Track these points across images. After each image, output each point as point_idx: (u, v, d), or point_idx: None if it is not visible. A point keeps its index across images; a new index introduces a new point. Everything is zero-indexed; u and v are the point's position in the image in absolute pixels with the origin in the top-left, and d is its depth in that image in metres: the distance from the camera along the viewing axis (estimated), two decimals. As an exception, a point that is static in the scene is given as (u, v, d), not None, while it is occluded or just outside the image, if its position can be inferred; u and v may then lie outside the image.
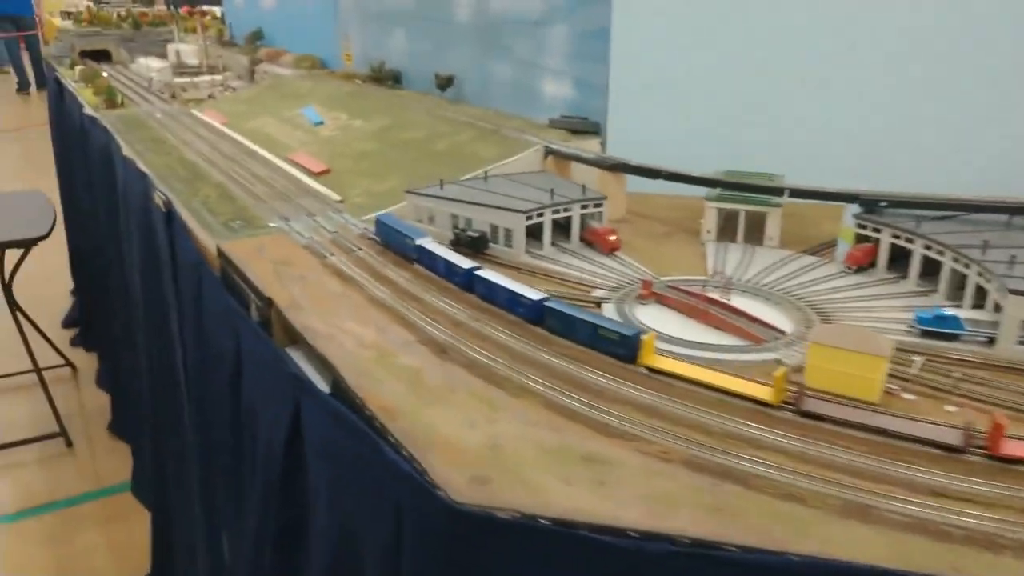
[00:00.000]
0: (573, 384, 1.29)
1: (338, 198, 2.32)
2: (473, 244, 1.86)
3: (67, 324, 5.88)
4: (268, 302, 1.65)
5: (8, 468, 4.31)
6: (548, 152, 2.38)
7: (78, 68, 4.68)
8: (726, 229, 2.02)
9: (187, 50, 5.26)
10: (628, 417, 1.20)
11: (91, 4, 6.39)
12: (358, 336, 1.47)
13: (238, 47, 5.32)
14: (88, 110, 3.82)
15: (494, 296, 1.58)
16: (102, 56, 5.55)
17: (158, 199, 2.42)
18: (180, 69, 4.90)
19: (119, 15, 6.05)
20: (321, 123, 3.10)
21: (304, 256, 1.89)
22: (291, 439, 1.52)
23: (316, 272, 1.78)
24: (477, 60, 3.05)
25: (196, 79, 4.54)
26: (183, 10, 6.34)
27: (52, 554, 3.66)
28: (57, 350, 5.16)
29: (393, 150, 2.64)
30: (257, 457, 1.66)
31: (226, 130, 3.26)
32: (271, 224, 2.13)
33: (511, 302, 1.54)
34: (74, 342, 5.59)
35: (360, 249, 1.91)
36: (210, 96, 4.20)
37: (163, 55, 5.71)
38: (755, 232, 2.00)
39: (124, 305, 3.57)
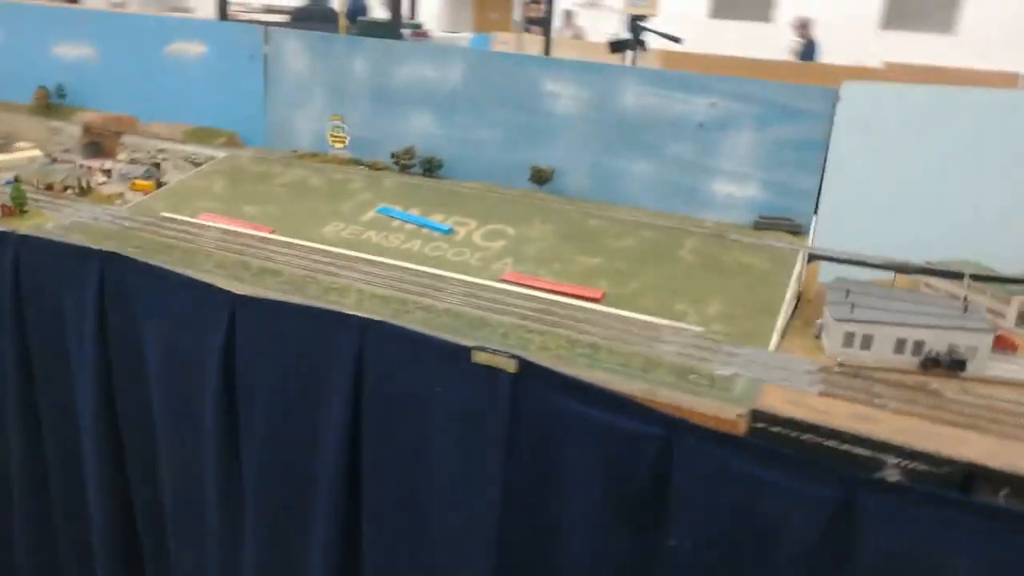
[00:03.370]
0: None
1: (697, 329, 2.16)
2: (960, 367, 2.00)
3: None
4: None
5: None
6: (813, 258, 2.51)
7: None
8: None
9: None
10: None
11: None
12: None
13: None
14: None
15: None
16: None
17: (487, 359, 1.97)
18: None
19: None
20: (451, 231, 2.68)
21: (857, 409, 1.81)
22: None
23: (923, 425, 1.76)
24: (587, 154, 2.96)
25: None
26: None
27: None
28: None
29: (632, 263, 2.47)
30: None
31: (323, 246, 2.59)
32: (723, 372, 1.94)
33: None
34: None
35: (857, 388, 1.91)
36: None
37: None
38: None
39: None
